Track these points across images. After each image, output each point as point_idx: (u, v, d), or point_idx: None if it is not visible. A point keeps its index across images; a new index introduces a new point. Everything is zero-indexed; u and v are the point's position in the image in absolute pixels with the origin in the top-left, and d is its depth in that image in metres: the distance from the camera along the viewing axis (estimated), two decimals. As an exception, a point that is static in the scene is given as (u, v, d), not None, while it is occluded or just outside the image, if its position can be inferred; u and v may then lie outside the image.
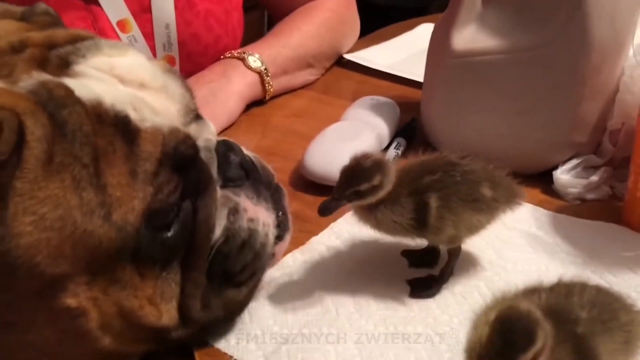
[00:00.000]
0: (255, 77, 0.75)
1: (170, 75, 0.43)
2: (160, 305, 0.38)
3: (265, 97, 0.77)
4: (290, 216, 0.49)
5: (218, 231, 0.42)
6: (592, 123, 0.59)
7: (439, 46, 0.64)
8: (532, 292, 0.37)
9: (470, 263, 0.49)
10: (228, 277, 0.42)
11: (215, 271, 0.41)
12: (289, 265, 0.50)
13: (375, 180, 0.42)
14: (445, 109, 0.64)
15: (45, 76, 0.37)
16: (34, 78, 0.36)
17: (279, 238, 0.47)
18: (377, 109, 0.68)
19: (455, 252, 0.47)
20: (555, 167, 0.60)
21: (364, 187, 0.42)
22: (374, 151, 0.46)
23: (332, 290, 0.47)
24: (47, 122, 0.34)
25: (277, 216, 0.47)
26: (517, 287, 0.38)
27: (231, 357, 0.42)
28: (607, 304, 0.36)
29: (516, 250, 0.51)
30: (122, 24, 0.69)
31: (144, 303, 0.38)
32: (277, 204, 0.47)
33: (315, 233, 0.54)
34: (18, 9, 0.45)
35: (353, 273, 0.49)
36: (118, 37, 0.69)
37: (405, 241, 0.48)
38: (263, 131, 0.72)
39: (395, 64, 0.87)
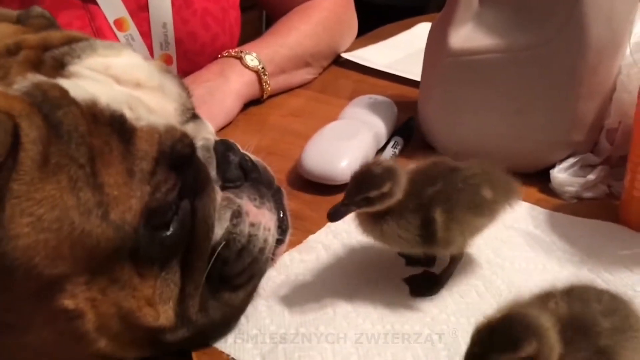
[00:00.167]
0: (253, 76, 0.75)
1: (166, 75, 0.43)
2: (158, 305, 0.38)
3: (262, 96, 0.77)
4: (289, 217, 0.49)
5: (219, 232, 0.42)
6: (589, 122, 0.59)
7: (436, 45, 0.64)
8: (547, 297, 0.37)
9: (468, 262, 0.49)
10: (225, 280, 0.42)
11: (212, 274, 0.41)
12: (286, 264, 0.49)
13: (385, 188, 0.42)
14: (442, 108, 0.64)
15: (39, 77, 0.37)
16: (29, 80, 0.36)
17: (279, 240, 0.47)
18: (374, 108, 0.68)
19: (458, 257, 0.47)
20: (553, 166, 0.60)
21: (373, 193, 0.42)
22: (386, 158, 0.46)
23: (329, 289, 0.47)
24: (42, 123, 0.34)
25: (279, 217, 0.47)
26: (524, 290, 0.37)
27: (228, 356, 0.42)
28: (622, 311, 0.36)
29: (514, 249, 0.51)
30: (119, 23, 0.69)
31: (142, 304, 0.38)
32: (278, 205, 0.47)
33: (313, 232, 0.54)
34: (14, 12, 0.45)
35: (350, 272, 0.49)
36: (115, 35, 0.69)
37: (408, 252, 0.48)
38: (260, 130, 0.72)
39: (392, 63, 0.87)
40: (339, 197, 0.44)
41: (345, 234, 0.53)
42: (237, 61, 0.74)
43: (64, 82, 0.37)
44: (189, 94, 0.45)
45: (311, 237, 0.53)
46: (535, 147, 0.61)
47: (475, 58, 0.61)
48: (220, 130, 0.69)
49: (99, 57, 0.40)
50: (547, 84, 0.58)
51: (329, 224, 0.54)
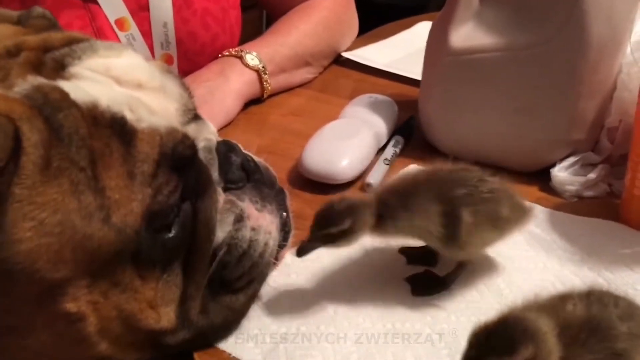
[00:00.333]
0: (253, 75, 0.75)
1: (168, 75, 0.43)
2: (159, 308, 0.38)
3: (263, 96, 0.77)
4: (292, 218, 0.49)
5: (221, 236, 0.42)
6: (589, 121, 0.59)
7: (436, 44, 0.64)
8: (565, 298, 0.37)
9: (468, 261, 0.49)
10: (225, 283, 0.43)
11: (213, 277, 0.41)
12: (287, 263, 0.49)
13: (346, 224, 0.42)
14: (442, 106, 0.64)
15: (40, 80, 0.37)
16: (29, 82, 0.36)
17: (283, 241, 0.47)
18: (375, 107, 0.68)
19: (465, 263, 0.47)
20: (553, 165, 0.60)
21: (333, 230, 0.42)
22: (353, 196, 0.46)
23: (330, 288, 0.47)
24: (43, 126, 0.34)
25: (282, 218, 0.47)
26: (524, 289, 0.38)
27: (230, 355, 0.42)
28: (639, 316, 0.36)
29: (514, 247, 0.51)
30: (120, 23, 0.69)
31: (143, 306, 0.38)
32: (281, 206, 0.47)
33: (314, 231, 0.53)
34: (14, 13, 0.45)
35: (351, 271, 0.49)
36: (116, 35, 0.69)
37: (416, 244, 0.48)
38: (261, 130, 0.72)
39: (393, 62, 0.87)
40: (322, 204, 0.44)
41: (346, 233, 0.53)
42: (238, 60, 0.74)
43: (64, 84, 0.37)
44: (190, 95, 0.45)
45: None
46: (535, 145, 0.60)
47: (476, 57, 0.61)
48: (220, 129, 0.69)
49: (99, 58, 0.40)
50: (548, 83, 0.58)
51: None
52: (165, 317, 0.39)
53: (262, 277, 0.45)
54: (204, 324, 0.41)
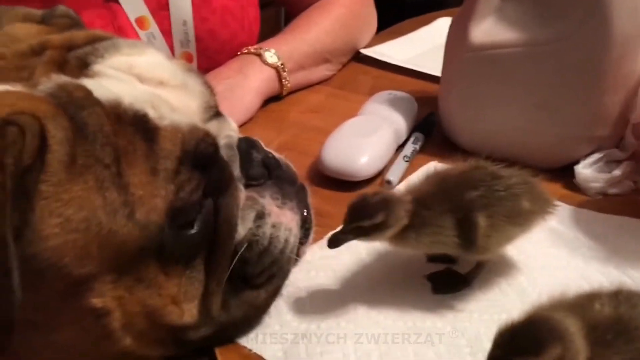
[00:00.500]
0: (272, 72, 0.75)
1: (189, 73, 0.43)
2: (182, 303, 0.39)
3: (282, 93, 0.77)
4: (313, 215, 0.49)
5: (242, 232, 0.42)
6: (614, 116, 0.58)
7: (456, 39, 0.64)
8: (593, 297, 0.36)
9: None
10: (246, 279, 0.43)
11: (234, 273, 0.42)
12: (307, 260, 0.50)
13: (378, 218, 0.42)
14: (463, 103, 0.64)
15: (64, 78, 0.37)
16: (53, 81, 0.37)
17: (304, 237, 0.47)
18: (394, 103, 0.68)
19: (486, 261, 0.47)
20: (577, 162, 0.59)
21: (366, 223, 0.42)
22: (388, 191, 0.46)
23: (350, 285, 0.47)
24: (68, 124, 0.34)
25: (302, 214, 0.47)
26: (547, 287, 0.38)
27: (250, 350, 0.42)
28: None
29: (537, 245, 0.51)
30: (140, 21, 0.70)
31: (167, 302, 0.38)
32: (301, 202, 0.47)
33: (333, 228, 0.53)
34: (38, 12, 0.46)
35: (371, 268, 0.49)
36: (137, 34, 0.70)
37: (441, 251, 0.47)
38: (280, 127, 0.72)
39: (412, 58, 0.87)
40: (359, 194, 0.44)
41: (366, 230, 0.53)
42: (257, 58, 0.74)
43: (87, 82, 0.37)
44: (212, 92, 0.45)
45: (331, 233, 0.53)
46: (558, 142, 0.60)
47: (497, 52, 0.60)
48: (240, 126, 0.70)
49: (122, 56, 0.41)
50: (570, 78, 0.58)
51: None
52: (188, 312, 0.39)
53: (283, 274, 0.45)
54: (225, 319, 0.42)
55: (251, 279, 0.43)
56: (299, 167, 0.52)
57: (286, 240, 0.44)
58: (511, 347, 0.31)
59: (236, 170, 0.43)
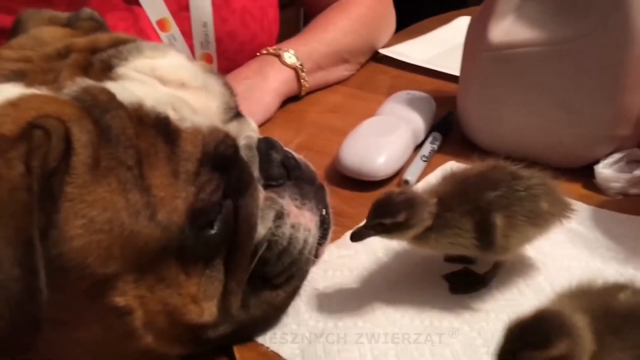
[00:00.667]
0: (291, 73, 0.75)
1: (210, 75, 0.44)
2: (202, 302, 0.39)
3: (300, 93, 0.77)
4: (332, 215, 0.49)
5: (262, 232, 0.42)
6: (635, 115, 0.58)
7: (476, 38, 0.64)
8: (619, 288, 0.36)
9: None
10: (265, 279, 0.43)
11: (254, 273, 0.42)
12: (324, 259, 0.50)
13: (400, 217, 0.42)
14: (482, 102, 0.64)
15: (88, 82, 0.38)
16: (78, 84, 0.37)
17: (322, 238, 0.47)
18: (412, 103, 0.68)
19: (504, 261, 0.47)
20: (597, 161, 0.58)
21: (387, 221, 0.42)
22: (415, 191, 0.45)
23: (367, 284, 0.48)
24: (92, 127, 0.35)
25: (321, 214, 0.47)
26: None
27: (267, 348, 0.43)
28: None
29: (555, 245, 0.50)
30: (161, 23, 0.71)
31: (187, 301, 0.39)
32: (320, 202, 0.48)
33: (351, 227, 0.53)
34: (64, 15, 0.46)
35: (389, 268, 0.49)
36: (158, 36, 0.71)
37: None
38: (298, 127, 0.73)
39: (432, 58, 0.86)
40: (377, 193, 0.44)
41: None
42: (276, 59, 0.75)
43: (111, 85, 0.38)
44: (232, 93, 0.45)
45: (349, 233, 0.53)
46: (578, 142, 0.59)
47: (516, 51, 0.60)
48: (259, 127, 0.70)
49: (145, 58, 0.41)
50: (591, 77, 0.57)
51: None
52: (208, 311, 0.40)
53: (302, 275, 0.46)
54: (244, 318, 0.42)
55: (270, 279, 0.43)
56: (317, 167, 0.53)
57: (305, 241, 0.44)
58: (520, 342, 0.31)
59: (255, 171, 0.44)
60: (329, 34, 0.80)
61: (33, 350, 0.32)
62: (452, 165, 0.61)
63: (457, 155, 0.63)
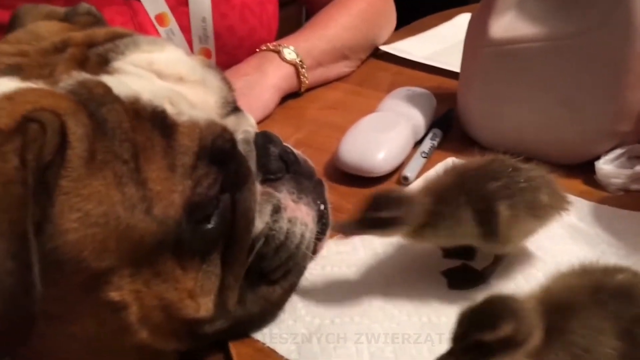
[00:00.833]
0: (291, 69, 0.75)
1: (208, 69, 0.44)
2: (199, 297, 0.39)
3: (300, 90, 0.77)
4: (330, 210, 0.49)
5: (260, 226, 0.42)
6: (636, 111, 0.57)
7: (476, 34, 0.63)
8: (620, 270, 0.37)
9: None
10: (263, 274, 0.43)
11: (251, 268, 0.42)
12: (322, 255, 0.50)
13: (396, 213, 0.42)
14: (482, 98, 0.63)
15: (84, 75, 0.38)
16: (74, 78, 0.37)
17: (321, 233, 0.47)
18: (412, 99, 0.67)
19: (503, 256, 0.47)
20: (598, 157, 0.58)
21: (383, 215, 0.42)
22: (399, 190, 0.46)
23: (365, 280, 0.47)
24: (88, 121, 0.35)
25: (319, 210, 0.47)
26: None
27: (264, 345, 0.43)
28: None
29: (555, 241, 0.50)
30: (160, 18, 0.71)
31: (183, 296, 0.38)
32: (318, 197, 0.48)
33: (350, 224, 0.54)
34: (61, 10, 0.46)
35: (386, 264, 0.49)
36: (157, 30, 0.71)
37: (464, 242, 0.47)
38: (298, 123, 0.72)
39: (433, 54, 0.86)
40: (377, 189, 0.44)
41: (382, 226, 0.53)
42: (275, 55, 0.75)
43: (107, 79, 0.38)
44: (230, 88, 0.45)
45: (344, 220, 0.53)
46: (579, 138, 0.59)
47: (517, 47, 0.59)
48: (258, 123, 0.70)
49: (142, 52, 0.41)
50: (593, 73, 0.57)
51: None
52: (204, 306, 0.40)
53: (299, 270, 0.46)
54: (240, 313, 0.42)
55: (267, 274, 0.43)
56: (316, 164, 0.53)
57: (302, 236, 0.44)
58: (471, 325, 0.33)
59: (253, 165, 0.44)
60: (329, 31, 0.80)
61: (28, 345, 0.32)
62: (452, 162, 0.61)
63: (457, 151, 0.63)
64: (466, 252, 0.49)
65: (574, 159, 0.59)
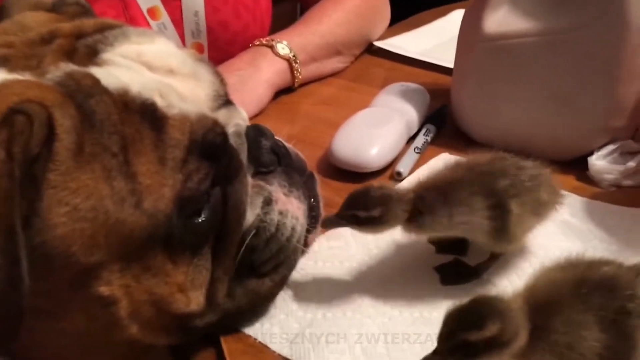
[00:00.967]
0: (284, 64, 0.74)
1: (200, 63, 0.43)
2: (189, 291, 0.39)
3: (294, 85, 0.77)
4: (322, 204, 0.49)
5: (250, 219, 0.42)
6: (629, 107, 0.57)
7: (470, 30, 0.63)
8: (607, 263, 0.38)
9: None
10: (253, 268, 0.43)
11: (241, 261, 0.42)
12: (314, 250, 0.49)
13: (375, 212, 0.42)
14: (476, 94, 0.63)
15: (72, 67, 0.37)
16: (61, 69, 0.37)
17: (311, 225, 0.47)
18: (406, 95, 0.67)
19: (499, 253, 0.47)
20: (590, 153, 0.58)
21: (361, 214, 0.42)
22: (392, 186, 0.45)
23: (356, 275, 0.47)
24: (75, 113, 0.34)
25: (310, 203, 0.47)
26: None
27: (255, 340, 0.42)
28: None
29: (548, 237, 0.50)
30: (152, 12, 0.70)
31: (174, 290, 0.38)
32: (310, 191, 0.47)
33: (342, 219, 0.53)
34: (49, 0, 0.46)
35: (379, 259, 0.49)
36: (148, 24, 0.70)
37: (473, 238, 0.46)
38: (291, 119, 0.72)
39: (427, 50, 0.86)
40: (364, 185, 0.43)
41: (375, 221, 0.53)
42: (269, 50, 0.74)
43: (96, 71, 0.37)
44: (222, 81, 0.45)
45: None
46: (572, 133, 0.59)
47: (511, 42, 0.59)
48: (251, 118, 0.70)
49: (131, 44, 0.41)
50: (586, 68, 0.57)
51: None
52: (195, 300, 0.39)
53: (289, 263, 0.45)
54: (230, 307, 0.42)
55: (258, 267, 0.43)
56: (309, 159, 0.52)
57: (293, 229, 0.44)
58: (457, 325, 0.33)
59: (244, 158, 0.43)
60: (323, 26, 0.79)
61: (18, 341, 0.31)
62: (445, 158, 0.61)
63: (451, 147, 0.63)
64: (459, 247, 0.49)
65: (567, 155, 0.59)
